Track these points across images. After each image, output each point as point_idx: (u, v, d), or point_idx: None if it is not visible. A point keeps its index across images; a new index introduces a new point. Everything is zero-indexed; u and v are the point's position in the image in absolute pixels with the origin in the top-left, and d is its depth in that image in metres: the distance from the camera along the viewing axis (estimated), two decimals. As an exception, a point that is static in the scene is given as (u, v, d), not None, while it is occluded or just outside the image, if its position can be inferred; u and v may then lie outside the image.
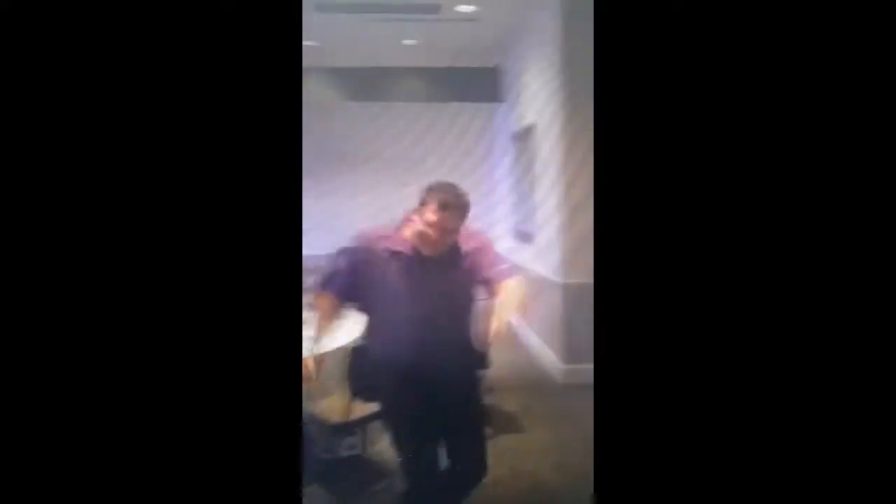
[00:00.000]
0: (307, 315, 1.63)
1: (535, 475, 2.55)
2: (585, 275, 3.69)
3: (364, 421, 2.43)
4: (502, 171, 5.68)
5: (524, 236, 4.73)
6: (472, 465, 1.77)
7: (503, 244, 5.32)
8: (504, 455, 2.64)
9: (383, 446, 2.79)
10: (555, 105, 3.74)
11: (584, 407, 3.29)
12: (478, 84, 5.60)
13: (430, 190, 1.54)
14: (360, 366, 2.27)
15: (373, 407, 2.39)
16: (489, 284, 1.65)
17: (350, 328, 2.99)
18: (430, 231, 1.50)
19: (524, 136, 4.63)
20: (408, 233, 1.57)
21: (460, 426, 1.74)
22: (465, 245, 1.65)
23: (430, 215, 1.50)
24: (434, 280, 1.60)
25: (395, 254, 1.59)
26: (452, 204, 1.51)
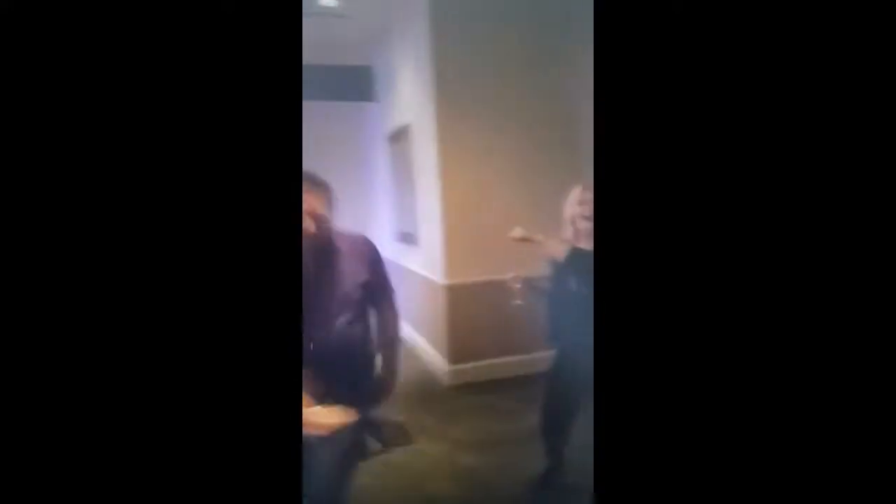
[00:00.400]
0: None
1: (428, 486, 2.51)
2: (465, 275, 3.76)
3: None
4: (381, 173, 5.59)
5: (407, 238, 4.69)
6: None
7: (387, 248, 5.23)
8: (399, 470, 2.58)
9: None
10: (429, 105, 3.73)
11: (473, 406, 3.34)
12: (352, 83, 5.45)
13: None
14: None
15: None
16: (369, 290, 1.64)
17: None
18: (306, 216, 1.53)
19: (400, 137, 4.57)
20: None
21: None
22: (341, 243, 1.64)
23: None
24: (318, 265, 1.59)
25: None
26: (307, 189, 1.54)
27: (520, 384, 3.54)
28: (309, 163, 4.98)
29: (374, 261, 1.72)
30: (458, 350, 3.79)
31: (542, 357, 2.44)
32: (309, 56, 5.06)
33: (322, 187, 1.57)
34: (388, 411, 3.25)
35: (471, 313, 3.74)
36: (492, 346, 3.80)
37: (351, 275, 1.63)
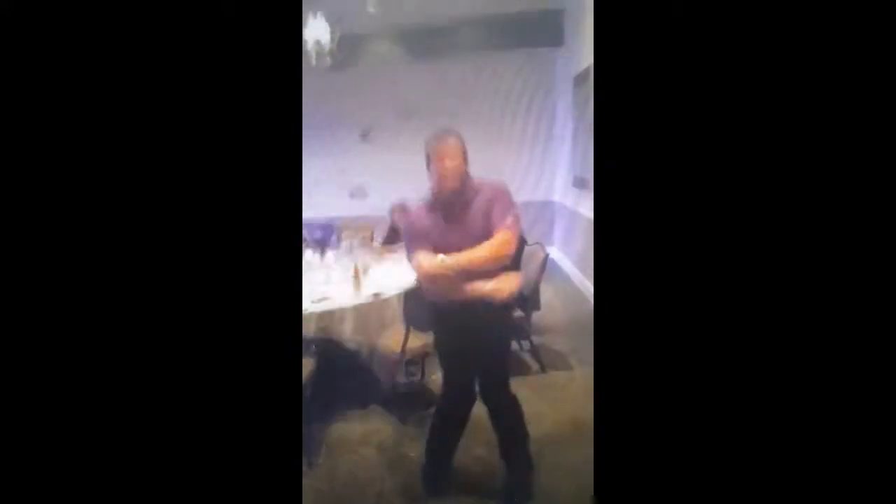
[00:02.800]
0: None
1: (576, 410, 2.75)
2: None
3: (418, 352, 2.70)
4: (561, 117, 5.64)
5: (582, 182, 4.77)
6: (495, 403, 1.97)
7: (561, 193, 5.35)
8: (549, 390, 2.86)
9: (440, 376, 3.08)
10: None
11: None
12: (540, 28, 5.51)
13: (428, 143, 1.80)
14: (413, 306, 2.53)
15: (427, 339, 2.66)
16: (489, 231, 1.80)
17: (404, 274, 3.28)
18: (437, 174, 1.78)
19: (582, 80, 4.58)
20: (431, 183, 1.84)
21: (490, 365, 1.95)
22: (481, 190, 1.84)
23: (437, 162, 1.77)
24: (456, 216, 1.83)
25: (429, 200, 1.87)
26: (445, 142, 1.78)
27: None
28: (496, 110, 5.29)
29: (503, 208, 1.85)
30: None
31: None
32: (499, 4, 5.27)
33: (448, 139, 1.77)
34: (549, 339, 3.52)
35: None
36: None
37: (488, 217, 1.83)
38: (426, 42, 5.63)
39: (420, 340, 2.64)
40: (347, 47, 4.69)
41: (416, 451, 2.34)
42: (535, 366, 3.19)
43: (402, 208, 4.08)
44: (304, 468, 2.22)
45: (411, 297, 2.57)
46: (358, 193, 6.37)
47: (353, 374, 3.03)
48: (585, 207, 4.56)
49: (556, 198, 5.99)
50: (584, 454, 1.49)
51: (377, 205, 4.81)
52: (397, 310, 2.88)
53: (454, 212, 1.82)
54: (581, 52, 4.77)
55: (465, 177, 1.81)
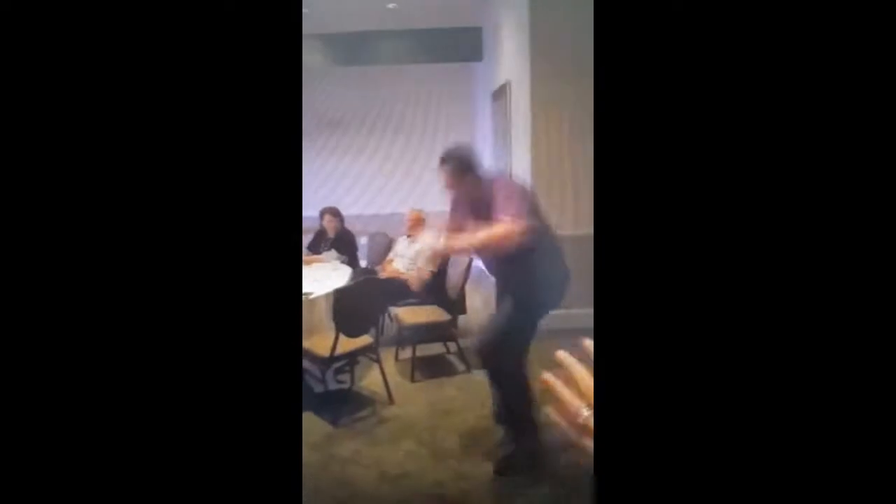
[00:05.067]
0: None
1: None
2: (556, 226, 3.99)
3: (350, 355, 2.75)
4: (483, 129, 5.89)
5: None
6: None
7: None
8: (476, 388, 2.98)
9: (369, 381, 3.14)
10: (526, 62, 3.95)
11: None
12: (460, 44, 5.74)
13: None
14: (341, 308, 2.58)
15: (356, 343, 2.72)
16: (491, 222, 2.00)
17: (336, 276, 3.32)
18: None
19: (500, 94, 4.82)
20: None
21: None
22: (495, 188, 2.09)
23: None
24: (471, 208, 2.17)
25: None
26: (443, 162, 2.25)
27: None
28: (421, 119, 5.49)
29: (504, 202, 2.07)
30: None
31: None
32: (423, 20, 5.44)
33: (449, 160, 2.20)
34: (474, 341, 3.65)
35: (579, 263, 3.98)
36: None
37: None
38: (352, 50, 5.70)
39: (349, 345, 2.69)
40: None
41: (348, 451, 2.40)
42: (461, 366, 3.32)
43: (332, 213, 4.12)
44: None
45: (341, 300, 2.62)
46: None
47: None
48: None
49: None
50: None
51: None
52: (324, 311, 2.92)
53: (473, 210, 2.15)
54: (497, 68, 5.02)
55: (467, 186, 2.19)
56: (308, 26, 5.29)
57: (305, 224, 2.98)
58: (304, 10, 4.61)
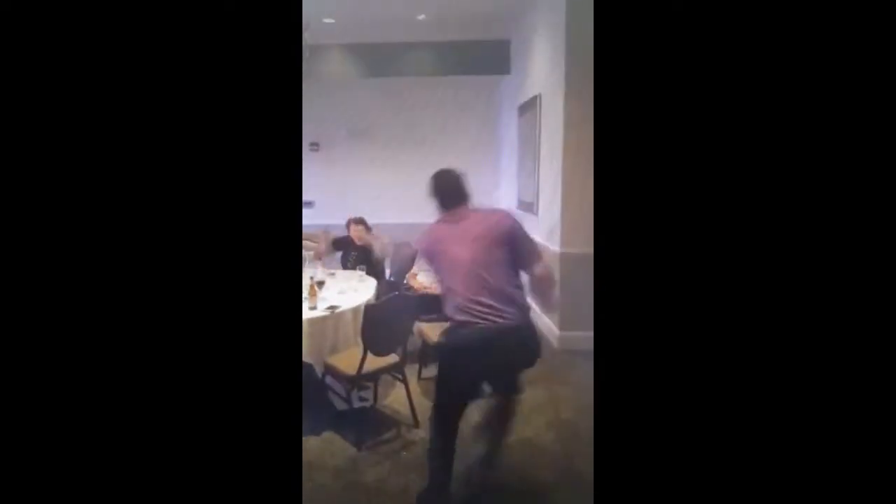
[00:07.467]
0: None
1: (532, 434, 2.77)
2: (582, 244, 3.88)
3: (376, 374, 2.64)
4: (508, 144, 5.80)
5: (527, 206, 4.89)
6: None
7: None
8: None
9: (391, 399, 3.03)
10: (558, 76, 3.86)
11: (579, 370, 3.51)
12: (489, 57, 5.68)
13: None
14: (372, 325, 2.48)
15: (382, 362, 2.61)
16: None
17: (364, 290, 3.22)
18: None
19: (528, 108, 4.74)
20: None
21: None
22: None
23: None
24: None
25: None
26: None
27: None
28: (445, 134, 5.43)
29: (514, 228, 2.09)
30: (568, 317, 3.96)
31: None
32: (453, 32, 5.39)
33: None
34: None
35: (584, 281, 3.87)
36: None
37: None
38: (379, 61, 5.66)
39: (376, 363, 2.58)
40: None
41: (372, 477, 2.28)
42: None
43: (358, 222, 4.04)
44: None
45: (370, 317, 2.51)
46: (304, 205, 6.30)
47: (307, 396, 2.91)
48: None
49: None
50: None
51: (322, 216, 4.71)
52: (351, 325, 2.82)
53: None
54: (526, 81, 4.94)
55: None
56: (336, 37, 5.29)
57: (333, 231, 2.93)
58: (330, 21, 4.56)
